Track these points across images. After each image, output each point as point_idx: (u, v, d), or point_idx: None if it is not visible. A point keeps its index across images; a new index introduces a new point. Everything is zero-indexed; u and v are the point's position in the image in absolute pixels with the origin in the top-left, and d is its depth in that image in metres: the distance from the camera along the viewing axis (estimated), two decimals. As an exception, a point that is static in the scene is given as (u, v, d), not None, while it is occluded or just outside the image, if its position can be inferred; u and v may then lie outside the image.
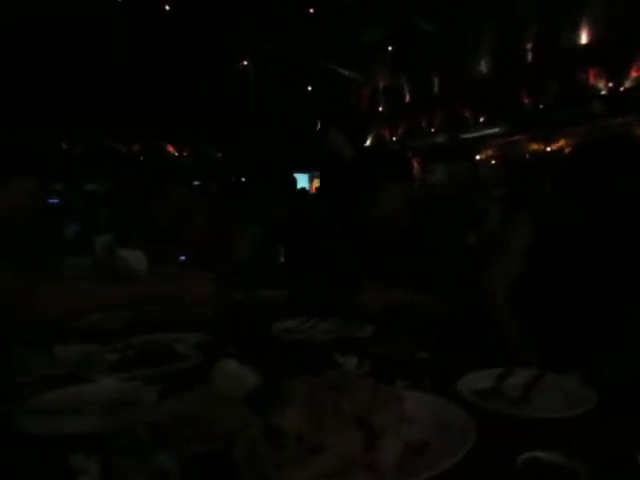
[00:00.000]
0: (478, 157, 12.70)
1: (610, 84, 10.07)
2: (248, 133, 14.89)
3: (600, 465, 0.83)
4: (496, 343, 1.55)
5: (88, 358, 1.42)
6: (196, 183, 6.51)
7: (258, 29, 13.97)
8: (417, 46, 13.42)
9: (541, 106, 11.04)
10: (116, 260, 2.70)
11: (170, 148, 15.87)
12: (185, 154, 16.04)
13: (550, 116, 10.61)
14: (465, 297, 1.78)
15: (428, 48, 13.24)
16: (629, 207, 1.50)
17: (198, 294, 1.69)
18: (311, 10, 12.76)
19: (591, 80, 10.32)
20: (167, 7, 12.58)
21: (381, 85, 15.36)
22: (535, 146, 11.55)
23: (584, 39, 10.55)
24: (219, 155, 16.20)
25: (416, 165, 12.48)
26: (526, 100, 11.35)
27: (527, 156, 11.53)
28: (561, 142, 10.74)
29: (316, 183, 15.28)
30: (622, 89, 9.92)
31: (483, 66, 12.45)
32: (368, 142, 15.15)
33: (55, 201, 7.92)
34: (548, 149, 11.05)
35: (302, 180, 14.44)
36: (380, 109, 15.46)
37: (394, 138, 14.75)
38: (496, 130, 12.08)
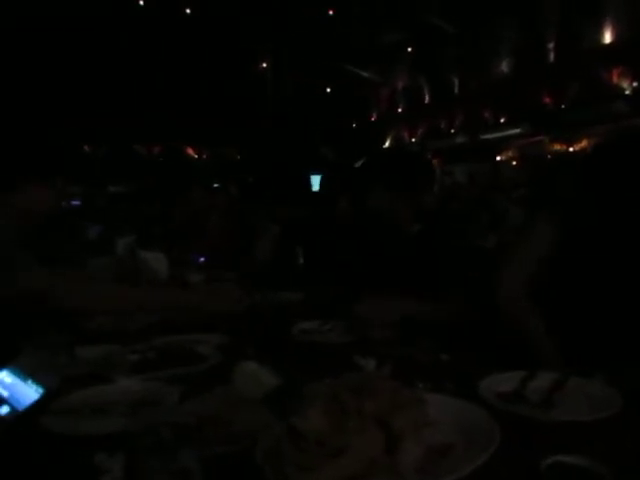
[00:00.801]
0: (499, 158, 12.58)
1: (634, 84, 9.90)
2: (266, 135, 14.96)
3: (624, 469, 0.82)
4: (517, 345, 1.53)
5: (109, 359, 1.43)
6: (215, 185, 6.55)
7: (277, 31, 14.04)
8: (437, 47, 13.35)
9: (563, 106, 10.90)
10: (137, 261, 2.74)
11: (190, 150, 16.02)
12: (204, 156, 16.17)
13: (572, 116, 10.47)
14: (483, 299, 1.76)
15: (448, 49, 13.16)
16: None
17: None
18: (330, 12, 12.78)
19: (614, 80, 10.16)
20: (188, 11, 12.71)
21: (400, 86, 15.30)
22: (557, 147, 11.40)
23: (607, 39, 10.39)
24: (238, 157, 16.30)
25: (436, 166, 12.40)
26: (547, 100, 11.21)
27: (548, 157, 11.39)
28: (583, 143, 10.59)
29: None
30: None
31: (504, 66, 12.34)
32: (387, 143, 15.10)
33: (77, 203, 8.04)
34: (570, 150, 10.89)
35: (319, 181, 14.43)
36: (399, 110, 15.40)
37: (413, 139, 14.68)
38: (517, 131, 11.96)
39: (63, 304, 1.43)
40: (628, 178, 1.48)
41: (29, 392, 0.95)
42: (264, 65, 16.22)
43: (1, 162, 1.57)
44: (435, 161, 12.68)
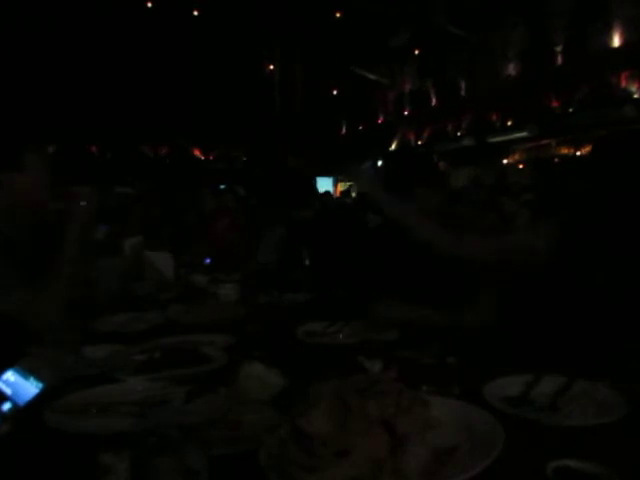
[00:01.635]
0: (506, 161, 12.54)
1: (643, 87, 9.85)
2: (273, 136, 14.99)
3: (629, 473, 0.81)
4: (523, 349, 1.52)
5: (116, 359, 1.44)
6: (222, 186, 6.57)
7: (285, 34, 14.07)
8: (444, 49, 13.33)
9: (571, 109, 10.85)
10: (144, 261, 2.75)
11: (197, 152, 16.07)
12: (211, 157, 16.21)
13: (580, 120, 10.42)
14: (491, 301, 1.75)
15: (455, 51, 13.14)
16: None
17: None
18: (338, 14, 12.79)
19: (623, 83, 10.10)
20: (195, 12, 12.76)
21: (407, 89, 15.28)
22: (564, 150, 11.34)
23: (616, 42, 10.34)
24: (245, 158, 16.33)
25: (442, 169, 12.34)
26: (555, 103, 11.16)
27: (556, 160, 11.33)
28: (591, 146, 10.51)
29: (340, 187, 15.27)
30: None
31: (511, 69, 12.30)
32: (393, 146, 15.09)
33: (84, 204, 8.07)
34: (578, 153, 10.84)
35: (327, 184, 14.44)
36: (406, 113, 15.38)
37: (419, 142, 14.66)
38: (524, 134, 11.91)
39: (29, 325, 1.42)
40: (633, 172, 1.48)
41: (30, 388, 0.99)
42: (271, 67, 16.26)
43: (3, 139, 1.55)
44: (441, 164, 12.62)
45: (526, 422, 1.00)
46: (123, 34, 12.47)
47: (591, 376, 1.18)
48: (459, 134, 13.54)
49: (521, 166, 12.25)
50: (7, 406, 0.95)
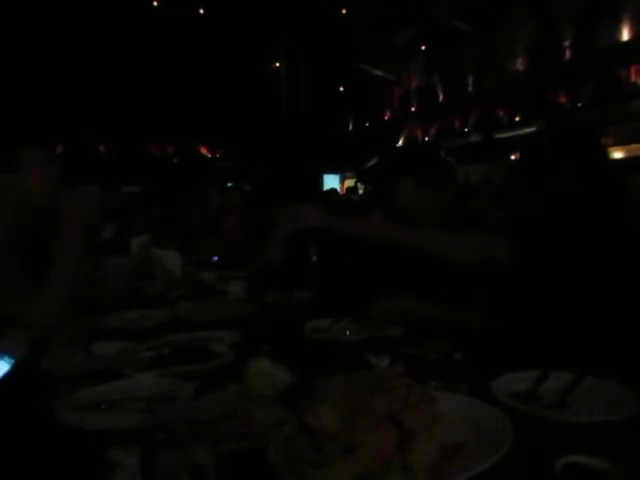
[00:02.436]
0: (513, 157, 12.48)
1: (653, 82, 9.76)
2: (280, 134, 14.99)
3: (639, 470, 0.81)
4: (532, 345, 1.52)
5: (125, 355, 1.45)
6: (229, 184, 6.59)
7: (290, 30, 14.05)
8: (451, 45, 13.26)
9: (579, 105, 10.77)
10: (152, 259, 2.76)
11: (203, 150, 16.10)
12: (218, 156, 16.24)
13: (588, 115, 10.34)
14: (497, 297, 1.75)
15: (462, 47, 13.07)
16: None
17: None
18: (343, 10, 12.76)
19: (632, 78, 10.01)
20: (201, 11, 12.77)
21: (414, 85, 15.23)
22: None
23: (625, 36, 10.25)
24: (251, 156, 16.35)
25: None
26: (563, 99, 11.08)
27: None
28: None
29: (347, 184, 15.26)
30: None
31: (519, 64, 12.22)
32: (400, 142, 15.05)
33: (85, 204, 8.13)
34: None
35: (333, 181, 14.44)
36: (413, 109, 15.33)
37: (426, 138, 14.61)
38: (532, 130, 11.84)
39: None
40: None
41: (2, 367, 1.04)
42: (277, 64, 16.25)
43: (4, 138, 1.54)
44: (449, 160, 12.56)
45: (534, 418, 1.00)
46: (129, 33, 12.50)
47: (600, 373, 1.17)
48: (466, 130, 13.48)
49: (529, 162, 12.15)
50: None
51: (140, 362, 1.40)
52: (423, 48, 14.19)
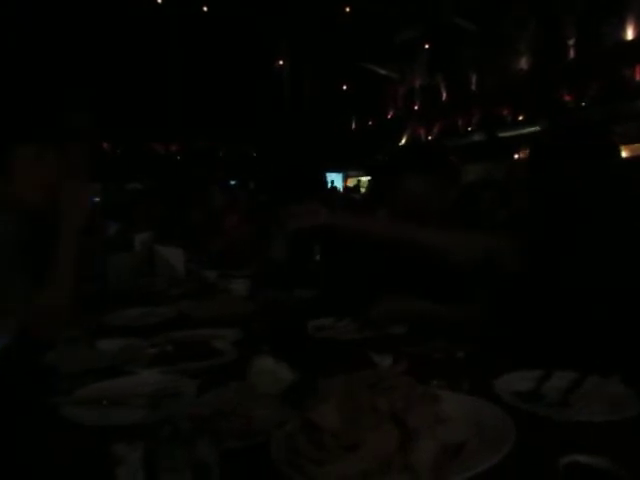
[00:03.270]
0: (517, 156, 12.45)
1: (657, 81, 9.73)
2: (283, 132, 14.99)
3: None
4: (534, 344, 1.52)
5: (129, 352, 1.46)
6: (233, 182, 6.60)
7: (294, 29, 14.05)
8: (454, 44, 13.24)
9: (583, 104, 10.74)
10: (155, 257, 2.77)
11: (203, 147, 16.10)
12: (221, 154, 16.25)
13: (593, 114, 10.31)
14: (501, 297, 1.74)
15: (465, 46, 13.05)
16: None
17: None
18: (347, 9, 12.75)
19: (637, 77, 9.98)
20: (205, 8, 12.77)
21: (417, 84, 15.21)
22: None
23: (630, 35, 10.21)
24: (254, 154, 16.35)
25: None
26: (567, 98, 11.05)
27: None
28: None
29: (350, 182, 15.25)
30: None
31: (523, 63, 12.19)
32: (403, 141, 15.03)
33: (97, 199, 8.16)
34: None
35: (336, 179, 14.44)
36: (416, 108, 15.31)
37: (430, 137, 14.59)
38: (536, 129, 11.81)
39: None
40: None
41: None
42: (281, 62, 16.24)
43: None
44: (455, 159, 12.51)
45: (537, 417, 1.00)
46: (133, 30, 12.51)
47: (603, 372, 1.17)
48: (469, 129, 13.46)
49: (532, 161, 12.12)
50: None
51: (144, 359, 1.40)
52: (427, 47, 14.16)
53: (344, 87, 16.15)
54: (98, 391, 1.19)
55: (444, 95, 14.42)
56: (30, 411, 1.10)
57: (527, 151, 1.81)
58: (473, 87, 13.51)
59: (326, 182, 3.81)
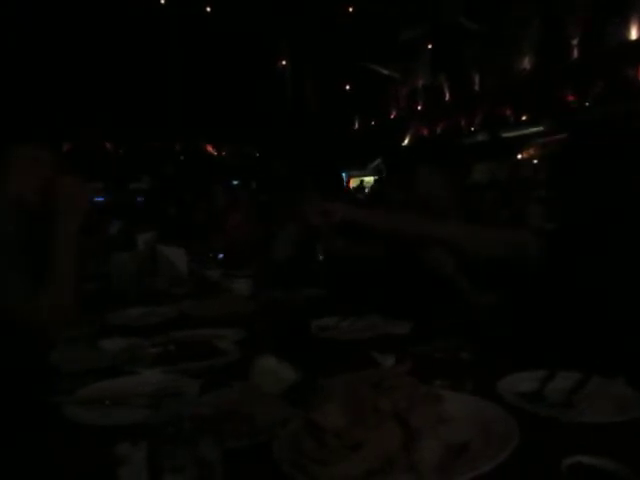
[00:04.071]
0: (520, 156, 12.43)
1: (661, 81, 9.70)
2: (286, 132, 14.99)
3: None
4: (538, 344, 1.51)
5: (131, 351, 1.46)
6: (235, 182, 6.60)
7: (296, 29, 14.05)
8: (457, 44, 13.22)
9: (587, 104, 10.71)
10: (157, 256, 2.77)
11: (209, 148, 16.12)
12: (223, 154, 16.25)
13: (596, 114, 10.28)
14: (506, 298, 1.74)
15: (468, 46, 13.03)
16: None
17: None
18: (350, 9, 12.74)
19: (640, 77, 9.95)
20: (208, 9, 12.78)
21: (420, 84, 15.19)
22: (580, 145, 11.19)
23: (633, 35, 10.18)
24: (257, 155, 16.35)
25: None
26: (571, 98, 11.03)
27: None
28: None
29: (353, 183, 15.24)
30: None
31: (526, 63, 12.16)
32: (406, 141, 15.02)
33: (101, 199, 8.19)
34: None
35: (339, 179, 14.39)
36: (419, 108, 15.30)
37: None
38: (539, 129, 11.79)
39: None
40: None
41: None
42: (283, 62, 16.24)
43: None
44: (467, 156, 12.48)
45: (540, 418, 1.00)
46: (136, 31, 12.52)
47: (607, 373, 1.17)
48: (473, 129, 13.44)
49: (535, 161, 12.13)
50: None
51: (146, 359, 1.40)
52: (430, 47, 14.15)
53: (347, 87, 16.14)
54: (99, 391, 1.19)
55: (447, 95, 14.40)
56: (31, 411, 1.10)
57: (556, 149, 1.79)
58: (476, 87, 13.48)
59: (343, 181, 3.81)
